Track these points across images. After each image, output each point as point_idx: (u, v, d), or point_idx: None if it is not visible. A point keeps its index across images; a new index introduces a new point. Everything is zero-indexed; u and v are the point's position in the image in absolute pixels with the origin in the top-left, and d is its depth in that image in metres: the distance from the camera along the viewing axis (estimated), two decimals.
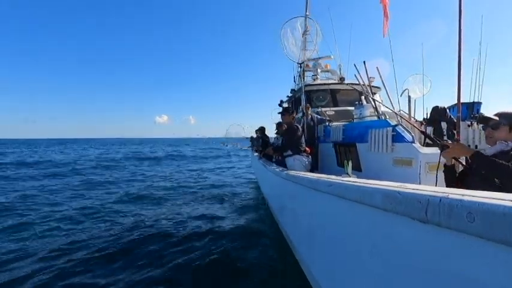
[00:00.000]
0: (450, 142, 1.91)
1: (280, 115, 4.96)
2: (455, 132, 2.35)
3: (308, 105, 5.75)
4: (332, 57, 8.27)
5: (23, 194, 8.71)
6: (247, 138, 10.84)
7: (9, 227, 5.62)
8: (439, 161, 1.93)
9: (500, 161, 1.55)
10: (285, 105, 8.58)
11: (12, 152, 32.60)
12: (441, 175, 1.97)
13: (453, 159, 1.91)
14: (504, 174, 1.51)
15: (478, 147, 3.77)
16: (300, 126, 4.49)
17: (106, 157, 25.73)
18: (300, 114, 6.17)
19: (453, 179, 1.93)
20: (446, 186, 1.95)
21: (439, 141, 1.98)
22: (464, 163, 1.94)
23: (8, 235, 5.14)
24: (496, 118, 1.74)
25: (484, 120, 1.81)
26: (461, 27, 1.97)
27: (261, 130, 8.33)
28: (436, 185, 2.06)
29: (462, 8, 2.02)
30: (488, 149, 1.77)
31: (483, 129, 1.90)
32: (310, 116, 5.60)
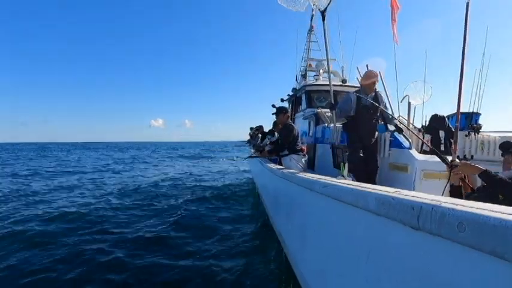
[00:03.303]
0: (459, 162, 1.94)
1: (275, 115, 4.84)
2: (452, 141, 2.37)
3: (372, 71, 3.62)
4: (336, 59, 8.25)
5: None
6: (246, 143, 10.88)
7: None
8: (450, 176, 1.95)
9: (509, 180, 1.59)
10: (285, 103, 8.58)
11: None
12: (448, 186, 2.01)
13: (460, 181, 1.94)
14: (509, 189, 1.55)
15: (474, 157, 3.79)
16: (295, 125, 4.46)
17: None
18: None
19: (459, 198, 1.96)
20: None
21: (447, 162, 2.01)
22: (470, 186, 1.97)
23: None
24: None
25: (506, 147, 1.85)
26: (466, 39, 1.97)
27: (260, 129, 8.42)
28: (443, 194, 2.09)
29: (468, 19, 2.02)
30: (501, 173, 1.81)
31: (502, 155, 1.93)
32: (374, 92, 3.60)
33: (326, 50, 3.65)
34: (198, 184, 10.91)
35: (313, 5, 3.63)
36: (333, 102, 3.56)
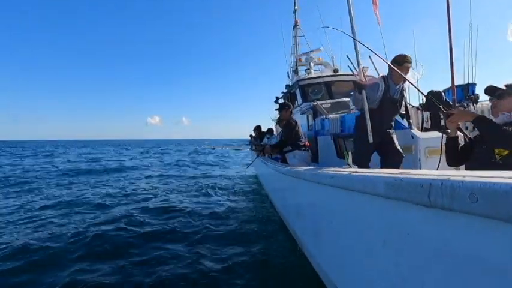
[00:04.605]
0: (454, 109, 1.93)
1: (277, 111, 4.93)
2: None
3: (406, 56, 2.78)
4: (321, 49, 8.26)
5: None
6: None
7: None
8: (442, 144, 1.94)
9: (500, 127, 1.56)
10: (281, 101, 8.60)
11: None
12: (443, 159, 1.98)
13: (457, 131, 1.91)
14: (505, 139, 1.52)
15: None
16: (297, 121, 4.47)
17: None
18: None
19: (455, 151, 1.93)
20: (448, 159, 1.97)
21: (444, 110, 1.97)
22: (468, 136, 1.95)
23: None
24: (503, 88, 1.75)
25: (491, 91, 1.83)
26: (450, 9, 1.97)
27: (258, 129, 8.43)
28: (437, 168, 2.08)
29: None
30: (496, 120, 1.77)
31: (490, 100, 1.89)
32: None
33: (351, 21, 2.63)
34: None
35: None
36: (362, 82, 2.67)
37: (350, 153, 2.86)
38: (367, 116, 2.59)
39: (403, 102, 3.10)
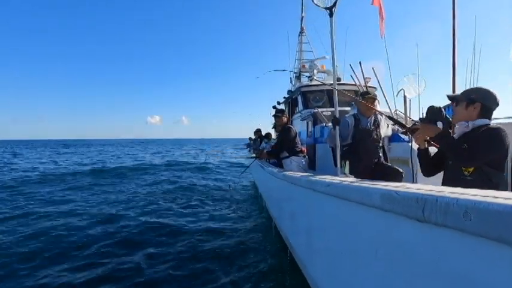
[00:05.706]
0: (418, 124, 1.95)
1: (274, 117, 4.94)
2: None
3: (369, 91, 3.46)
4: (327, 57, 8.29)
5: None
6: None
7: None
8: (411, 155, 1.95)
9: (458, 145, 1.58)
10: (282, 106, 8.62)
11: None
12: (415, 171, 1.99)
13: (426, 143, 1.91)
14: (459, 158, 1.55)
15: None
16: (294, 128, 4.48)
17: None
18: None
19: (428, 162, 1.95)
20: (422, 170, 1.99)
21: (407, 126, 2.01)
22: (437, 146, 1.97)
23: None
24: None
25: (450, 98, 1.86)
26: (455, 28, 1.99)
27: (258, 132, 8.42)
28: (413, 181, 2.08)
29: (456, 8, 2.05)
30: (456, 128, 1.79)
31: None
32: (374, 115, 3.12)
33: (332, 49, 2.99)
34: None
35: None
36: (337, 116, 2.88)
37: (347, 162, 2.87)
38: (338, 150, 2.81)
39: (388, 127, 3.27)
